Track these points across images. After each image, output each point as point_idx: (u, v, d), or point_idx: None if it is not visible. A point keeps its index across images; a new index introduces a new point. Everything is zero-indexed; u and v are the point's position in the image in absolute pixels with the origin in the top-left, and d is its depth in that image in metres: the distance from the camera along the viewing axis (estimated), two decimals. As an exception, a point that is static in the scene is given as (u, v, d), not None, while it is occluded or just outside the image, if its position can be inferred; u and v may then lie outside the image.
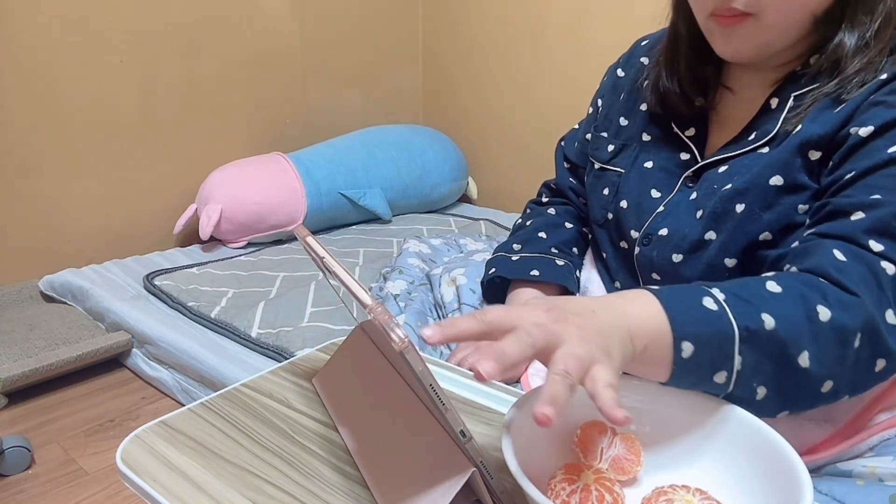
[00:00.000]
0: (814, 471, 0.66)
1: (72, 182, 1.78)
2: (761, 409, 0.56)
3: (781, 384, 0.56)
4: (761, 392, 0.56)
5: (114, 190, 1.86)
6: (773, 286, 0.57)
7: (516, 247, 0.97)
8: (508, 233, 1.07)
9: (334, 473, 0.55)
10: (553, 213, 1.01)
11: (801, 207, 0.69)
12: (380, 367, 0.61)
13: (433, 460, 0.49)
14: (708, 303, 0.54)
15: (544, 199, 1.05)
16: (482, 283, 1.01)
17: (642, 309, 0.53)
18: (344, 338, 0.69)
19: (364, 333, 0.65)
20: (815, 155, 0.68)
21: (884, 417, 0.67)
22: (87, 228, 1.83)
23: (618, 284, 0.88)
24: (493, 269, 0.96)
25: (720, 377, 0.54)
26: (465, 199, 2.48)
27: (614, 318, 0.51)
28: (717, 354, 0.53)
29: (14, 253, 1.72)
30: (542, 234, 0.97)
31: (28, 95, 1.66)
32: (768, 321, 0.54)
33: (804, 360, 0.55)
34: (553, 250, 0.95)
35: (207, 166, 1.98)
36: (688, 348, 0.52)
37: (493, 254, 1.01)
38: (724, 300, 0.55)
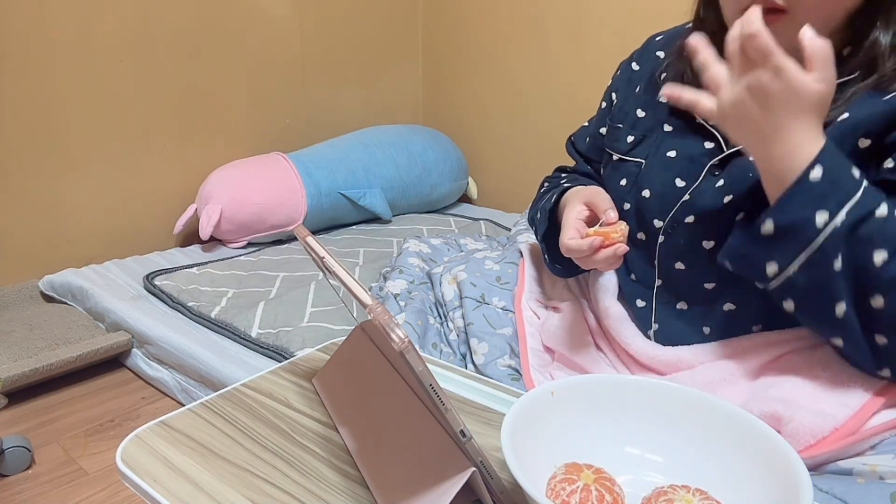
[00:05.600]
0: (814, 469, 0.66)
1: (72, 182, 1.78)
2: (828, 285, 0.64)
3: (850, 265, 0.62)
4: (836, 266, 0.62)
5: (114, 190, 1.86)
6: None
7: (547, 196, 0.96)
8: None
9: (334, 473, 0.55)
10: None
11: None
12: (380, 367, 0.60)
13: (433, 460, 0.49)
14: (855, 171, 0.63)
15: (563, 176, 1.05)
16: (541, 241, 0.97)
17: (801, 143, 0.63)
18: (344, 338, 0.69)
19: (364, 333, 0.65)
20: (864, 143, 0.68)
21: (885, 417, 0.67)
22: (87, 228, 1.83)
23: (632, 276, 0.88)
24: (539, 215, 0.96)
25: (822, 217, 0.62)
26: (465, 199, 2.48)
27: (785, 142, 0.63)
28: (833, 194, 0.62)
29: (14, 253, 1.72)
30: (567, 184, 0.97)
31: (28, 95, 1.66)
32: (882, 210, 0.62)
33: (878, 258, 0.61)
34: (585, 179, 0.99)
35: (207, 166, 1.98)
36: (817, 171, 0.62)
37: (529, 217, 1.04)
38: (866, 185, 0.63)
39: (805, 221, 0.62)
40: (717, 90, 0.65)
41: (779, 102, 0.61)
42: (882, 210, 0.62)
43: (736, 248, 0.69)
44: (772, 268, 0.66)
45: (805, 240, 0.63)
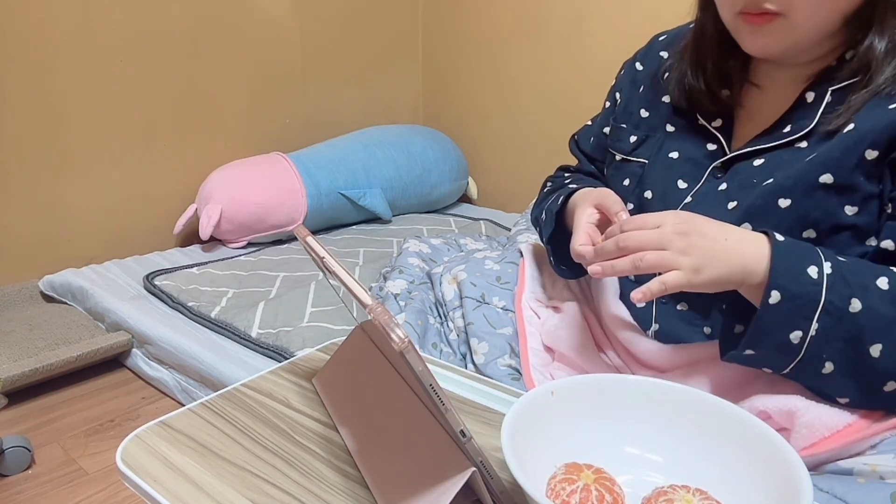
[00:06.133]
0: (814, 468, 0.66)
1: (72, 182, 1.78)
2: (826, 385, 0.65)
3: (847, 365, 0.63)
4: (828, 367, 0.63)
5: (114, 190, 1.86)
6: (882, 283, 0.62)
7: (552, 197, 0.95)
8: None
9: (334, 473, 0.55)
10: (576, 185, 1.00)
11: (849, 209, 0.69)
12: (380, 367, 0.60)
13: (433, 460, 0.49)
14: (812, 271, 0.62)
15: (566, 176, 1.04)
16: (547, 243, 0.97)
17: (754, 252, 0.64)
18: (344, 338, 0.69)
19: (364, 333, 0.65)
20: (871, 154, 0.67)
21: (886, 417, 0.67)
22: (87, 228, 1.83)
23: (632, 277, 0.88)
24: (544, 216, 0.95)
25: (796, 336, 0.62)
26: (465, 199, 2.48)
27: (734, 250, 0.64)
28: (798, 313, 0.62)
29: (14, 253, 1.72)
30: (572, 185, 0.96)
31: (28, 95, 1.66)
32: (855, 305, 0.61)
33: (875, 351, 0.61)
34: (588, 179, 0.99)
35: (207, 166, 1.98)
36: (775, 296, 0.62)
37: (533, 218, 1.03)
38: (828, 275, 0.62)
39: (782, 344, 0.64)
40: (666, 269, 0.66)
41: (694, 235, 0.65)
42: (855, 305, 0.61)
43: (729, 360, 0.70)
44: (766, 369, 0.69)
45: (788, 357, 0.64)
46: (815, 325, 0.62)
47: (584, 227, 0.79)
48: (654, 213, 0.67)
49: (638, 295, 0.65)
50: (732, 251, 0.64)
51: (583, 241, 0.77)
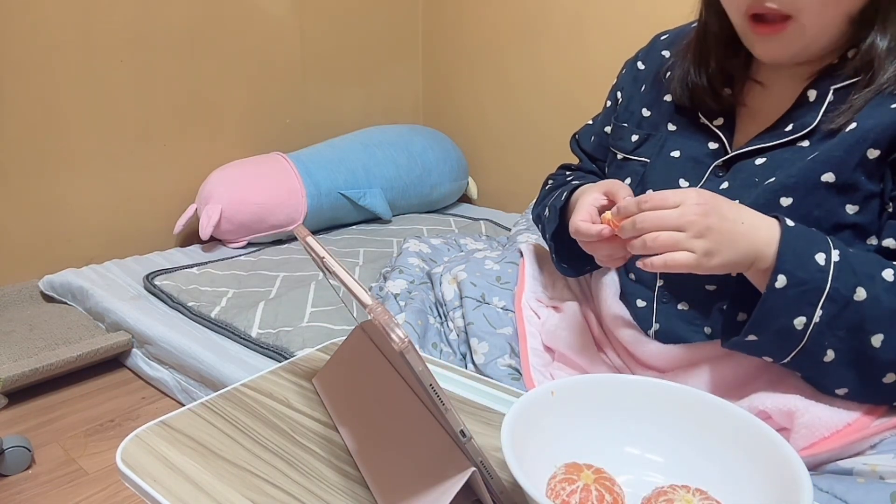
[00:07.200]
0: (814, 468, 0.66)
1: (72, 182, 1.78)
2: (826, 374, 0.65)
3: (848, 355, 0.63)
4: (829, 355, 0.64)
5: (114, 190, 1.86)
6: (888, 274, 0.63)
7: (555, 194, 0.95)
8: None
9: (334, 473, 0.55)
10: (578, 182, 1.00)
11: (851, 208, 0.69)
12: (380, 367, 0.61)
13: (433, 460, 0.49)
14: (819, 258, 0.63)
15: (568, 174, 1.04)
16: (550, 239, 0.96)
17: (766, 236, 0.64)
18: (344, 338, 0.69)
19: (364, 333, 0.65)
20: (873, 153, 0.68)
21: (887, 417, 0.67)
22: (87, 228, 1.83)
23: (632, 276, 0.88)
24: (547, 213, 0.94)
25: (799, 322, 0.63)
26: (465, 199, 2.48)
27: (748, 234, 0.64)
28: (803, 298, 0.62)
29: (14, 253, 1.72)
30: (575, 182, 0.95)
31: (28, 95, 1.66)
32: (860, 294, 0.62)
33: (877, 341, 0.62)
34: (590, 177, 0.98)
35: (207, 166, 1.98)
36: (781, 280, 0.62)
37: (535, 215, 1.03)
38: (836, 263, 0.62)
39: (785, 329, 0.64)
40: (675, 246, 0.65)
41: (713, 216, 0.64)
42: (860, 294, 0.62)
43: (730, 347, 0.70)
44: (766, 358, 0.69)
45: (791, 343, 0.64)
46: (819, 312, 0.62)
47: (588, 207, 0.78)
48: (676, 191, 0.66)
49: (639, 263, 0.66)
50: (747, 235, 0.65)
51: (583, 217, 0.77)
